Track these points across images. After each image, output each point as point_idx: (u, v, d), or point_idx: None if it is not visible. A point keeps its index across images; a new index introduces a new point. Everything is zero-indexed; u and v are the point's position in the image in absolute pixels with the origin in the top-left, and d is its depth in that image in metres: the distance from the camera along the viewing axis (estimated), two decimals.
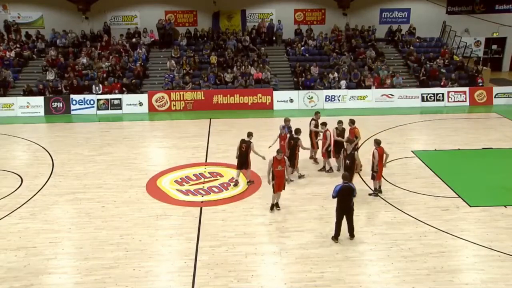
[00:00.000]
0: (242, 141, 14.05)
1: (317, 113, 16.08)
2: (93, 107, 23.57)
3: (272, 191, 12.54)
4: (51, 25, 28.83)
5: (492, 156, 16.68)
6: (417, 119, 21.59)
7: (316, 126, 15.50)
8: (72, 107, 23.52)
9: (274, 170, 12.29)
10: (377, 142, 13.31)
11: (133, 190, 14.12)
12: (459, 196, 13.28)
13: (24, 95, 23.84)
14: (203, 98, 23.84)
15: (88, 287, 9.49)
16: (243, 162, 14.06)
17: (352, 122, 15.17)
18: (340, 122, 15.25)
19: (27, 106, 23.41)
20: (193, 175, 15.13)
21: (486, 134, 19.25)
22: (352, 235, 11.12)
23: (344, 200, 10.82)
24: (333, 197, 10.92)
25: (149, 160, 17.05)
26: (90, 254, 10.64)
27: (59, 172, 15.65)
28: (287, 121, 15.46)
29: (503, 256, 10.37)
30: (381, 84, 24.53)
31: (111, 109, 23.60)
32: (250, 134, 14.19)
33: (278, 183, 12.38)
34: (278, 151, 12.41)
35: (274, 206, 12.67)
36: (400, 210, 12.49)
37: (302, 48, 27.51)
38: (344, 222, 11.03)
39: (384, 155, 13.28)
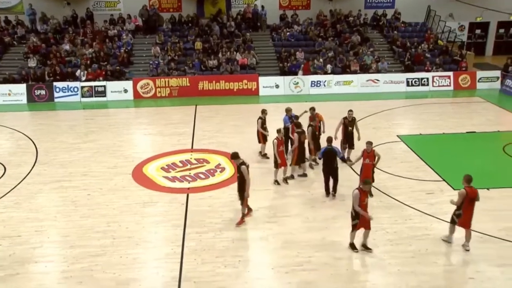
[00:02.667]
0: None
1: (349, 111, 14.42)
2: (77, 94, 23.22)
3: (352, 230, 10.10)
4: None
5: (476, 140, 16.90)
6: (402, 104, 21.72)
7: (349, 125, 14.33)
8: (56, 94, 23.14)
9: (362, 205, 9.71)
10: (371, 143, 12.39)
11: (119, 177, 14.03)
12: (444, 180, 13.45)
13: (5, 82, 23.37)
14: (188, 84, 23.64)
15: (75, 275, 9.46)
16: (258, 136, 15.06)
17: (313, 109, 14.53)
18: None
19: (9, 94, 22.97)
20: (180, 161, 15.08)
21: (469, 118, 19.46)
22: (335, 191, 12.39)
23: (329, 161, 12.11)
24: (319, 158, 12.73)
25: (135, 147, 16.93)
26: (76, 242, 10.58)
27: (43, 160, 15.46)
28: (288, 111, 14.79)
29: (485, 237, 10.59)
30: (366, 70, 24.61)
31: (95, 97, 23.27)
32: (262, 111, 14.92)
33: (364, 220, 9.90)
34: (366, 182, 9.86)
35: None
36: (386, 194, 12.61)
37: (288, 33, 27.37)
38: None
39: (376, 157, 12.19)
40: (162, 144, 16.82)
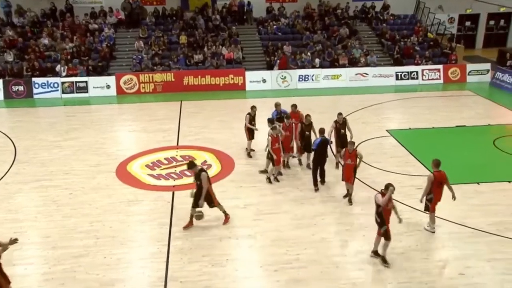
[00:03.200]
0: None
1: (339, 114, 13.77)
2: (58, 90, 22.62)
3: (385, 239, 9.41)
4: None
5: (466, 134, 16.81)
6: (391, 98, 21.55)
7: (341, 128, 13.74)
8: (35, 90, 22.50)
9: (386, 210, 9.30)
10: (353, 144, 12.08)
11: (102, 175, 13.66)
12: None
13: None
14: (173, 79, 23.22)
15: (56, 277, 9.17)
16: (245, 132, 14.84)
17: (294, 106, 14.34)
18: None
19: None
20: (165, 159, 14.77)
21: (459, 112, 19.35)
22: (323, 181, 12.66)
23: (321, 151, 12.32)
24: (313, 150, 12.56)
25: (119, 145, 16.52)
26: (58, 243, 10.27)
27: (22, 159, 15.00)
28: (277, 105, 14.46)
29: (475, 232, 10.50)
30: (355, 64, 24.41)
31: (76, 92, 22.69)
32: (251, 108, 14.59)
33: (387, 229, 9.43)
34: (386, 186, 9.27)
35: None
36: (375, 190, 12.35)
37: (274, 26, 27.06)
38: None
39: (358, 157, 11.71)
40: (146, 141, 16.44)
